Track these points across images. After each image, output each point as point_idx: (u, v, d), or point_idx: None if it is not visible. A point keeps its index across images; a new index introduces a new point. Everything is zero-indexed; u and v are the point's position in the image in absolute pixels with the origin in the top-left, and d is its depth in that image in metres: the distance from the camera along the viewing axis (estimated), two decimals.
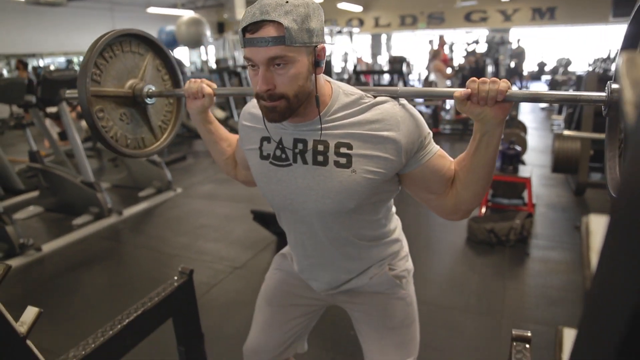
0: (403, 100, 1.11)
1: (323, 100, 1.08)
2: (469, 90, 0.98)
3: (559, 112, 8.36)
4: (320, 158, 1.11)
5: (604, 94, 0.92)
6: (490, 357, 2.31)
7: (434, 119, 8.02)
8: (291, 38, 0.94)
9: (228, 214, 4.65)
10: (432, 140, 1.14)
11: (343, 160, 1.09)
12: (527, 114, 9.63)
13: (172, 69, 1.60)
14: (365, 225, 1.24)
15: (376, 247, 1.31)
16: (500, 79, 0.97)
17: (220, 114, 8.35)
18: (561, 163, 4.39)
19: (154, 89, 1.48)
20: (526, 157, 5.17)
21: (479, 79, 0.99)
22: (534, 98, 0.99)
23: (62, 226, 4.39)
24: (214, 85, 1.34)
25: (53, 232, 4.35)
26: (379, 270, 1.34)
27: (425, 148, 1.11)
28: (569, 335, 0.47)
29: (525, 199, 4.24)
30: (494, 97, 0.96)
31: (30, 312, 1.15)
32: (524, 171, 4.09)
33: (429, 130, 1.13)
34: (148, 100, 1.47)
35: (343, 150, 1.08)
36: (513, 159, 4.02)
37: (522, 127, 5.67)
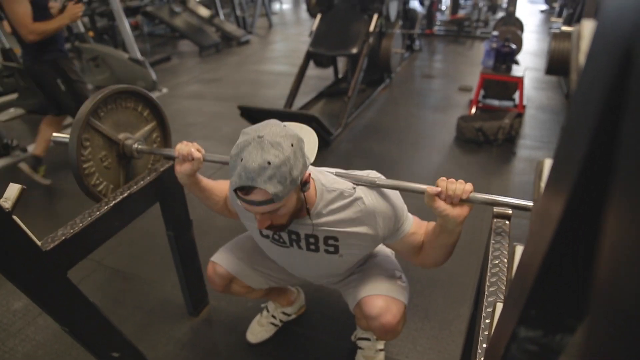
0: (382, 190, 1.23)
1: (310, 201, 1.19)
2: (439, 188, 1.10)
3: (559, 15, 8.03)
4: (312, 247, 1.30)
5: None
6: (472, 245, 2.41)
7: (428, 20, 7.69)
8: (278, 198, 1.01)
9: (216, 112, 4.58)
10: (408, 218, 1.29)
11: (331, 249, 1.29)
12: (526, 16, 9.25)
13: (167, 137, 1.73)
14: (353, 265, 1.44)
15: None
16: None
17: (205, 12, 7.91)
18: (556, 63, 4.27)
19: (142, 146, 1.56)
20: (520, 59, 5.03)
21: (447, 179, 1.11)
22: (492, 203, 1.14)
23: None
24: (203, 151, 1.39)
25: (37, 133, 4.27)
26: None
27: (400, 229, 1.27)
28: (549, 165, 0.47)
29: (516, 101, 4.19)
30: (460, 195, 1.09)
31: (14, 189, 1.14)
32: (517, 71, 4.00)
33: (403, 211, 1.27)
34: (135, 155, 1.56)
35: (331, 242, 1.27)
36: (507, 57, 3.90)
37: (519, 25, 5.45)
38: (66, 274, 1.30)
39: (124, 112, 1.55)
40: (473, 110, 4.15)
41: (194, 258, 1.88)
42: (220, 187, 1.49)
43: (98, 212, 1.36)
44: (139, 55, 5.01)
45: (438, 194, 1.10)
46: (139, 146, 1.55)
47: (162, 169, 1.57)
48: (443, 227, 1.15)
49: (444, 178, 1.12)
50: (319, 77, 5.45)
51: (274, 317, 1.89)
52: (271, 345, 1.87)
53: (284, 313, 1.91)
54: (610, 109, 0.29)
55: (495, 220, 1.27)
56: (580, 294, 0.40)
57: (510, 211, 1.29)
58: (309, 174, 1.11)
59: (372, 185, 1.22)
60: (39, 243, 1.20)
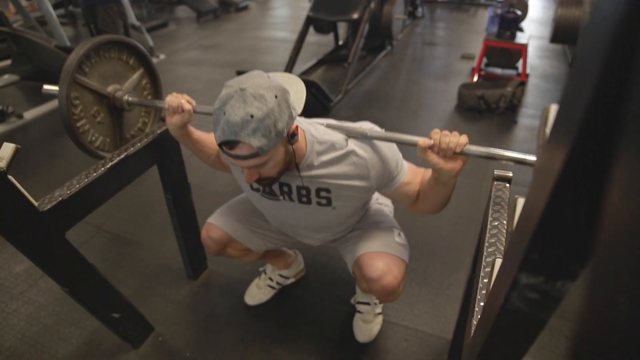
0: (375, 141, 1.19)
1: (300, 153, 1.16)
2: (432, 141, 1.04)
3: None
4: (304, 199, 1.27)
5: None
6: (471, 214, 2.42)
7: None
8: (263, 151, 0.99)
9: (214, 79, 4.52)
10: (402, 168, 1.24)
11: (324, 201, 1.26)
12: None
13: (157, 90, 1.70)
14: (350, 217, 1.40)
15: (360, 217, 1.51)
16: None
17: None
18: (561, 31, 4.19)
19: (133, 98, 1.54)
20: (525, 27, 4.93)
21: (441, 131, 1.05)
22: (487, 156, 1.07)
23: (41, 94, 4.23)
24: (194, 102, 1.35)
25: (33, 100, 4.24)
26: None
27: (394, 179, 1.24)
28: (555, 110, 0.46)
29: (520, 69, 4.13)
30: (453, 148, 1.03)
31: (7, 148, 1.12)
32: (521, 38, 3.92)
33: (397, 162, 1.22)
34: (126, 107, 1.54)
35: (323, 194, 1.24)
36: (511, 24, 3.82)
37: None
38: (64, 235, 1.30)
39: (109, 63, 1.51)
40: (475, 78, 4.09)
41: (193, 222, 1.88)
42: (213, 139, 1.47)
43: (95, 174, 1.35)
44: (135, 21, 4.91)
45: (431, 147, 1.05)
46: (130, 98, 1.53)
47: (159, 131, 1.54)
48: (437, 180, 1.12)
49: (438, 130, 1.06)
50: (319, 44, 5.36)
51: (271, 279, 1.90)
52: (269, 307, 1.89)
53: (281, 276, 1.92)
54: (627, 34, 0.27)
55: (495, 182, 1.26)
56: (585, 237, 0.39)
57: (510, 174, 1.28)
58: (297, 126, 1.08)
59: (364, 137, 1.19)
60: (35, 203, 1.20)
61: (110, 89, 1.52)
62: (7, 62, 4.73)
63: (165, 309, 1.89)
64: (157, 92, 1.71)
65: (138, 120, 1.66)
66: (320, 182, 1.21)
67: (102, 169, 1.38)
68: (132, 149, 1.46)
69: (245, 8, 7.88)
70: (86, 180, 1.33)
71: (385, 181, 1.23)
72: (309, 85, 3.21)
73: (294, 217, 1.38)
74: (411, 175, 1.26)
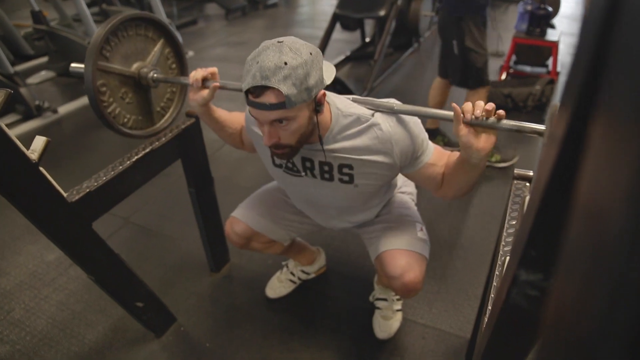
0: (401, 117, 1.17)
1: (324, 126, 1.16)
2: (467, 105, 1.02)
3: None
4: (326, 175, 1.26)
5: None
6: (493, 211, 2.39)
7: None
8: (291, 102, 0.98)
9: (241, 75, 4.56)
10: (428, 148, 1.21)
11: (346, 178, 1.25)
12: None
13: (181, 57, 1.64)
14: (372, 199, 1.40)
15: (383, 203, 1.51)
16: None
17: None
18: None
19: (158, 75, 1.50)
20: (556, 23, 4.81)
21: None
22: (518, 129, 1.03)
23: (76, 89, 4.39)
24: (218, 77, 1.36)
25: (67, 95, 4.37)
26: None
27: (418, 158, 1.21)
28: None
29: (550, 67, 4.03)
30: (490, 110, 0.99)
31: (39, 141, 1.17)
32: (552, 35, 3.83)
33: (423, 140, 1.19)
34: (152, 84, 1.51)
35: (345, 170, 1.23)
36: (541, 21, 3.73)
37: None
38: (91, 225, 1.35)
39: (128, 41, 1.47)
40: (503, 76, 4.02)
41: (216, 215, 1.92)
42: (236, 118, 1.48)
43: (121, 167, 1.40)
44: (165, 18, 5.01)
45: (464, 113, 1.02)
46: (155, 75, 1.50)
47: (183, 126, 1.59)
48: (467, 161, 1.07)
49: (470, 102, 1.03)
50: (345, 41, 5.35)
51: (292, 274, 1.93)
52: (290, 301, 1.92)
53: (303, 271, 1.94)
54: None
55: (515, 182, 1.25)
56: None
57: (531, 173, 1.26)
58: (324, 94, 1.07)
59: (390, 111, 1.15)
60: (64, 194, 1.25)
61: (134, 67, 1.49)
62: (45, 59, 4.91)
63: (187, 300, 1.94)
64: (181, 59, 1.66)
65: (166, 91, 1.64)
66: (343, 157, 1.19)
67: (128, 162, 1.42)
68: (157, 143, 1.50)
69: (274, 5, 7.94)
70: (112, 173, 1.38)
71: (409, 159, 1.20)
72: (334, 82, 3.21)
73: (316, 195, 1.37)
74: (436, 156, 1.23)
